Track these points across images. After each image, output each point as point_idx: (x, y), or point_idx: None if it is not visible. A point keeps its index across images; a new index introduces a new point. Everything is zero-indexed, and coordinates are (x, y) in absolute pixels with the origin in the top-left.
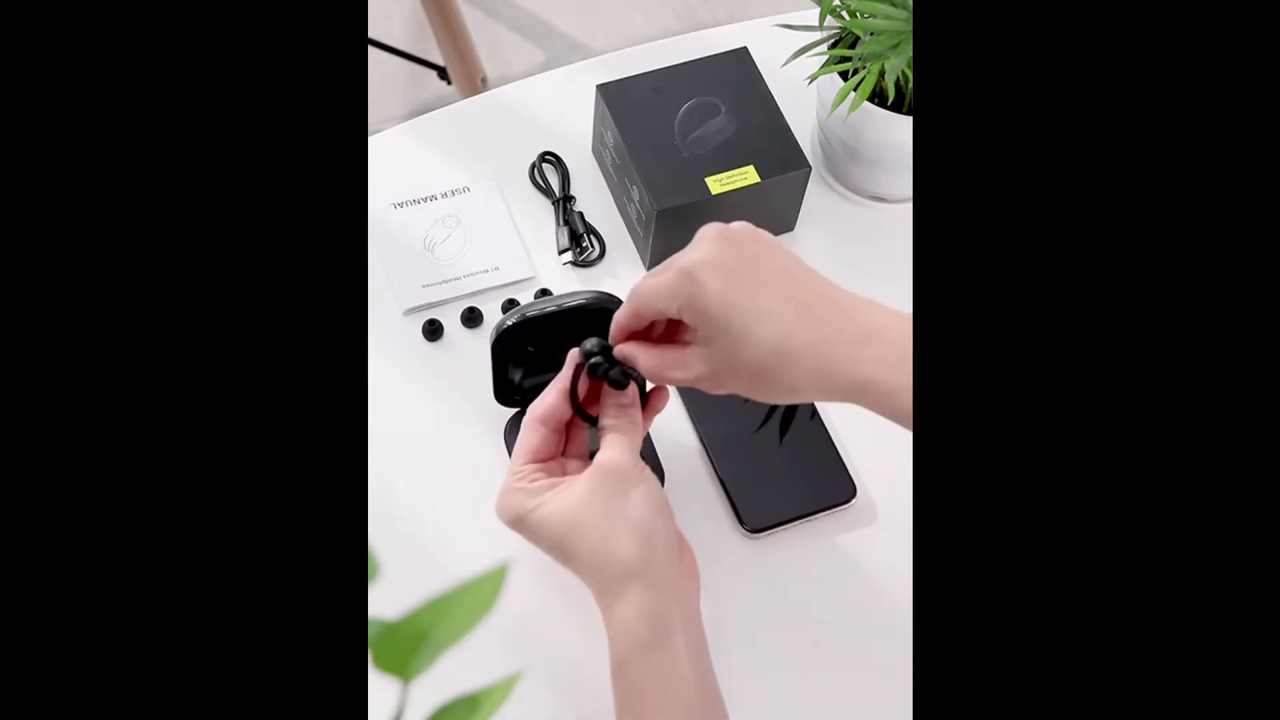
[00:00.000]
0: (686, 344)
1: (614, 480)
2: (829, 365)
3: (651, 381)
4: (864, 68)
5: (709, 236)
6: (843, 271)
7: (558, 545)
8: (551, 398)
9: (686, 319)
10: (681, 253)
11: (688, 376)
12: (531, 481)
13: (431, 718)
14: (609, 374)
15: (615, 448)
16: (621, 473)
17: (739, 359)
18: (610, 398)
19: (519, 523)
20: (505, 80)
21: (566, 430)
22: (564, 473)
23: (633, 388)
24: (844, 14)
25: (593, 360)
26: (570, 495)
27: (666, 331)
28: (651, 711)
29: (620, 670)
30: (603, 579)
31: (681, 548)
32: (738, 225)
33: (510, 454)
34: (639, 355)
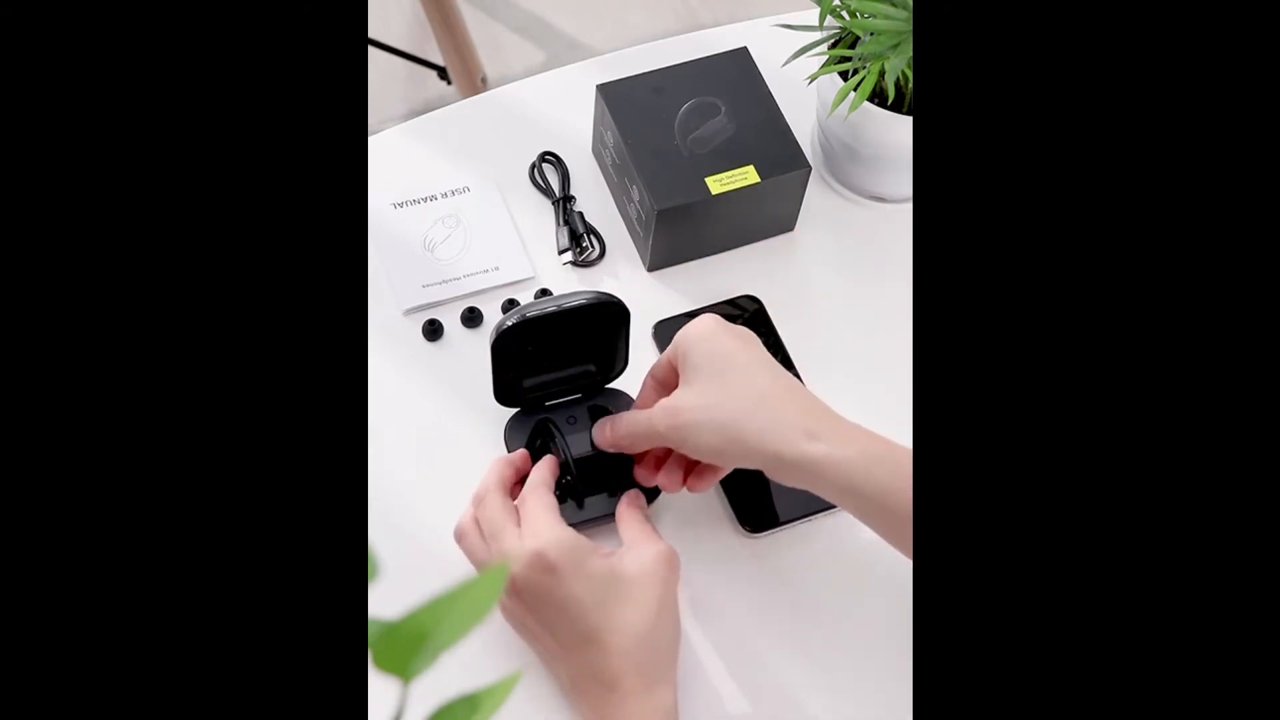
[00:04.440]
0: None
1: (667, 563)
2: (780, 420)
3: (627, 441)
4: (864, 68)
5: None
6: (843, 271)
7: (598, 600)
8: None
9: (676, 363)
10: None
11: (661, 414)
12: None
13: (431, 718)
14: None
15: (645, 527)
16: (669, 556)
17: (701, 380)
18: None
19: (577, 561)
20: (505, 80)
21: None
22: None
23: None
24: (844, 14)
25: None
26: (611, 559)
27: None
28: None
29: None
30: (649, 663)
31: None
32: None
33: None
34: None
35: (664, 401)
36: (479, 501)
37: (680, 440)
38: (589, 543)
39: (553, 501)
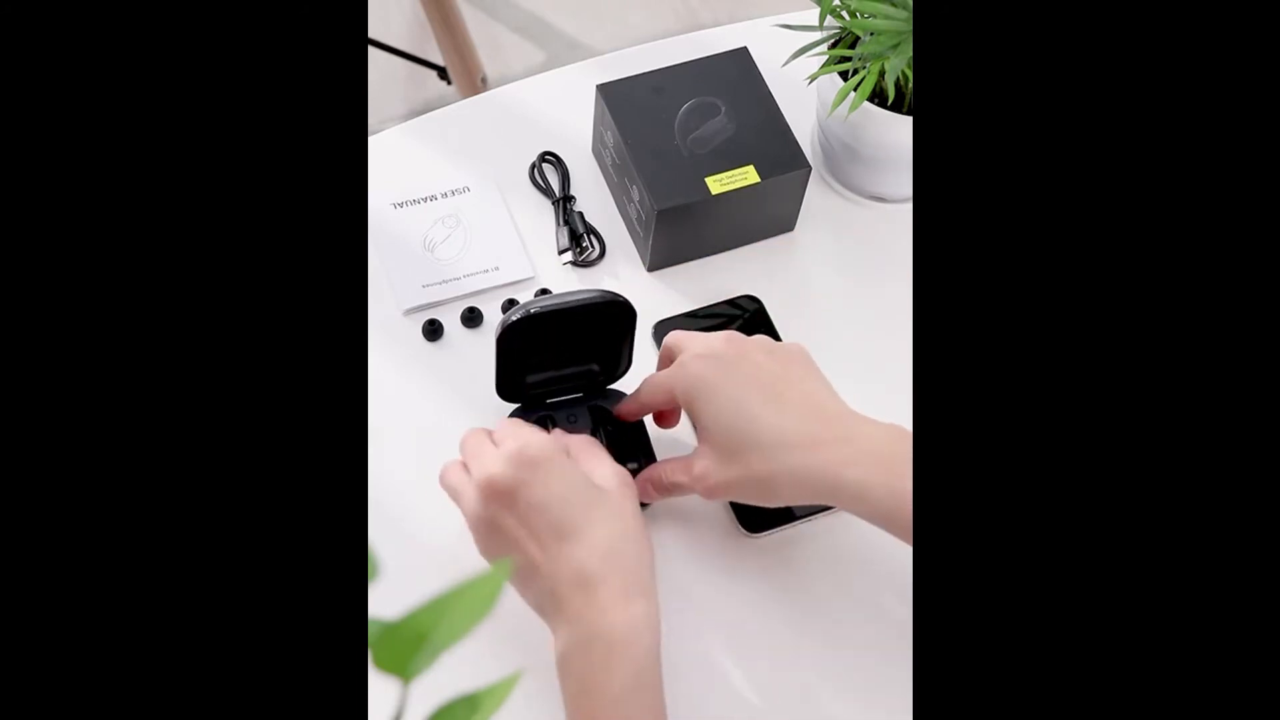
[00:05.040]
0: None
1: (632, 484)
2: (807, 460)
3: (667, 492)
4: (864, 68)
5: (720, 337)
6: (843, 271)
7: (583, 501)
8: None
9: (682, 405)
10: (690, 343)
11: (688, 479)
12: None
13: (431, 718)
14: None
15: (610, 460)
16: (630, 480)
17: (720, 442)
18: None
19: (563, 454)
20: (505, 80)
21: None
22: None
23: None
24: (844, 14)
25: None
26: (609, 478)
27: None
28: (660, 707)
29: (650, 666)
30: (629, 571)
31: None
32: (738, 335)
33: None
34: (661, 470)
35: (696, 470)
36: (462, 442)
37: (716, 497)
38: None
39: (530, 425)
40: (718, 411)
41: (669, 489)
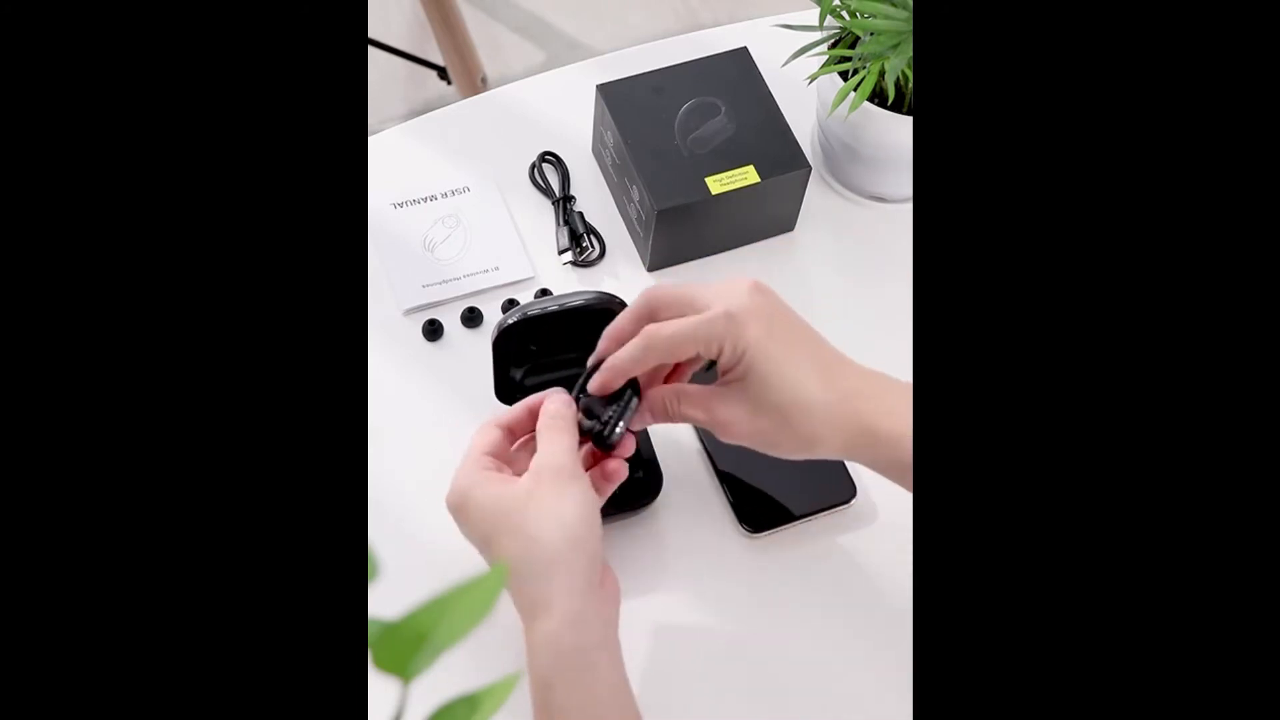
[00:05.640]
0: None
1: (552, 480)
2: (846, 414)
3: (670, 419)
4: (864, 68)
5: (747, 287)
6: (843, 271)
7: (488, 533)
8: (519, 413)
9: (725, 360)
10: (713, 294)
11: (707, 419)
12: (484, 469)
13: (431, 718)
14: (604, 437)
15: (554, 446)
16: (560, 472)
17: (766, 404)
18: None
19: (464, 499)
20: (505, 80)
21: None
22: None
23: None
24: (844, 14)
25: (593, 425)
26: (510, 484)
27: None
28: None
29: (546, 690)
30: (524, 575)
31: (603, 572)
32: (764, 284)
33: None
34: (665, 394)
35: (720, 415)
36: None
37: (733, 441)
38: (484, 476)
39: (481, 441)
40: (770, 371)
41: (676, 418)
